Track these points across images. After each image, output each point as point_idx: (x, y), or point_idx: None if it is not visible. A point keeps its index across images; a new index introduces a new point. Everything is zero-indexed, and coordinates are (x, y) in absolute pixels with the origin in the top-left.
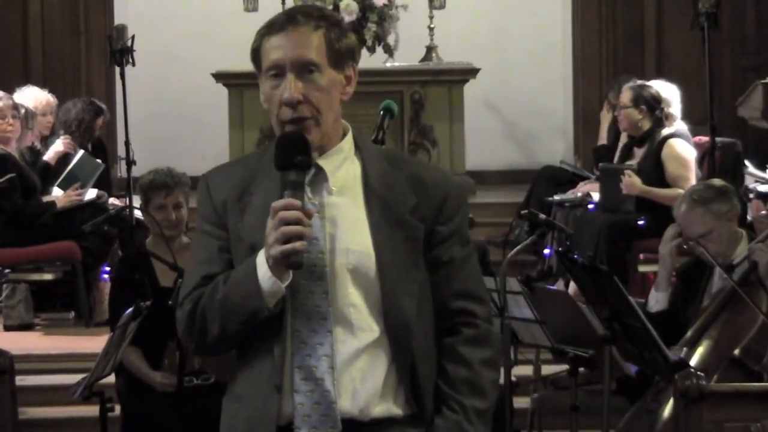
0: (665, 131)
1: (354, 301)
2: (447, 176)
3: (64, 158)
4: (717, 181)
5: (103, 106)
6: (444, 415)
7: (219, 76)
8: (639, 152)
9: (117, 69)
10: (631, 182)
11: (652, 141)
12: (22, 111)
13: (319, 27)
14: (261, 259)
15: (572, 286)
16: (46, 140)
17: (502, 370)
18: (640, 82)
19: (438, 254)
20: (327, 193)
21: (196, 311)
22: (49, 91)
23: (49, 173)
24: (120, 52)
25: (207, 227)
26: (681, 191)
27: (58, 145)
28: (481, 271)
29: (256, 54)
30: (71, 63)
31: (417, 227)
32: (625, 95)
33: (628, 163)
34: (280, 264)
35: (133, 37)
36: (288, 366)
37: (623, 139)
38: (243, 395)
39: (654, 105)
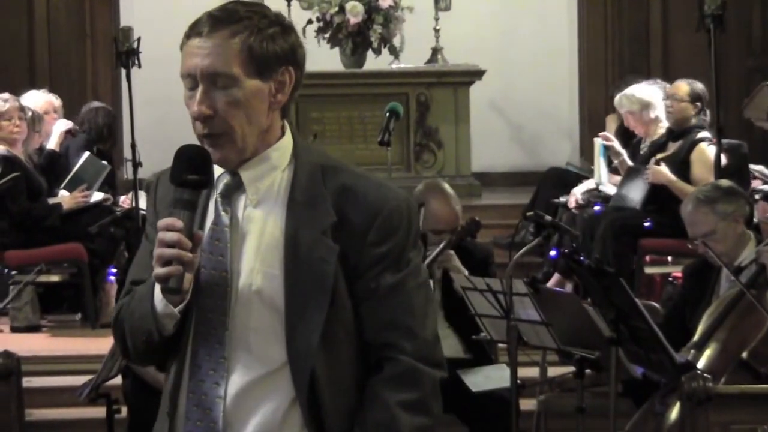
0: (701, 134)
1: (256, 326)
2: (387, 191)
3: (66, 157)
4: (724, 182)
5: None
6: None
7: None
8: (673, 146)
9: (123, 71)
10: (659, 170)
11: (687, 139)
12: (29, 113)
13: (239, 32)
14: None
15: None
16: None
17: (507, 374)
18: (688, 81)
19: (366, 279)
20: (244, 205)
21: (118, 320)
22: (54, 93)
23: (58, 161)
24: (126, 55)
25: (149, 229)
26: None
27: (59, 127)
28: (485, 273)
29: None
30: (77, 65)
31: (331, 249)
32: (681, 89)
33: (660, 156)
34: (162, 286)
35: (139, 39)
36: (184, 389)
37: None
38: (159, 413)
39: (703, 104)
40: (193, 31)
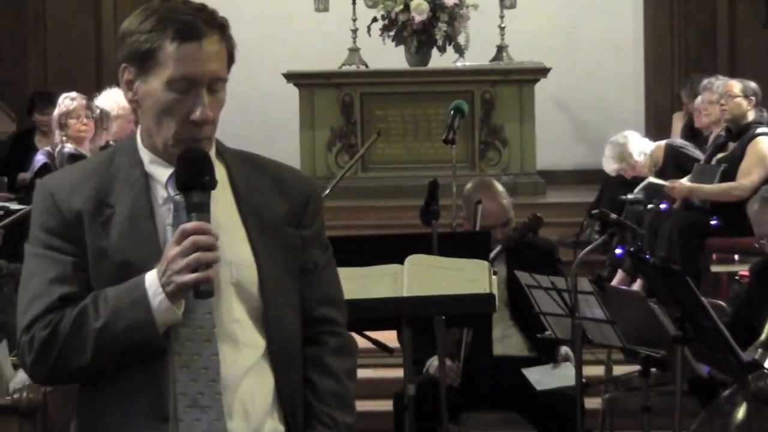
0: (760, 129)
1: (238, 317)
2: (306, 177)
3: None
4: None
5: None
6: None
7: (290, 76)
8: (733, 146)
9: None
10: (678, 188)
11: (745, 137)
12: (97, 111)
13: (223, 38)
14: (152, 286)
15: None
16: None
17: (572, 372)
18: (739, 80)
19: (303, 260)
20: None
21: (56, 339)
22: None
23: None
24: None
25: (55, 242)
26: (732, 185)
27: None
28: (550, 271)
29: (148, 53)
30: None
31: (293, 235)
32: (734, 87)
33: (720, 156)
34: (184, 292)
35: None
36: (171, 392)
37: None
38: (117, 426)
39: (757, 100)
40: (184, 34)
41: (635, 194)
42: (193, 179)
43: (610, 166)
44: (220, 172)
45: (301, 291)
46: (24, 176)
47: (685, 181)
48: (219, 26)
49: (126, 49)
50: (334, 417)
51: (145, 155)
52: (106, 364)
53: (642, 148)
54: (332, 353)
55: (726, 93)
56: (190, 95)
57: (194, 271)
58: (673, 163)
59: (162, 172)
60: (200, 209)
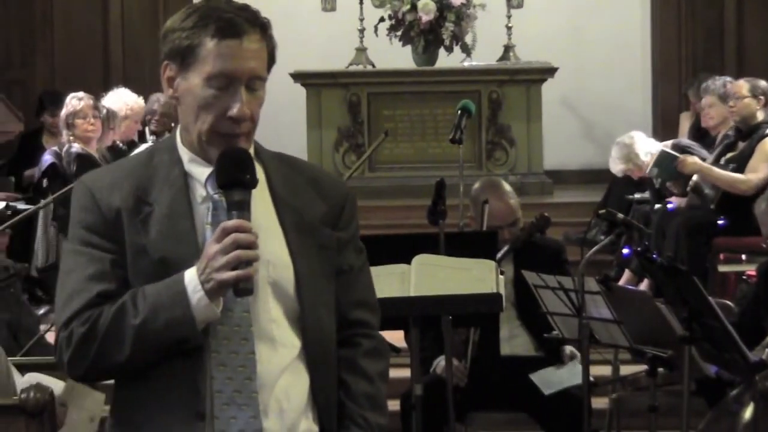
0: None
1: (275, 316)
2: (341, 180)
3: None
4: None
5: None
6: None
7: (297, 76)
8: (742, 145)
9: None
10: (689, 162)
11: (754, 137)
12: (104, 111)
13: (264, 37)
14: (191, 283)
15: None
16: (134, 144)
17: (579, 371)
18: (747, 79)
19: (339, 262)
20: None
21: (95, 335)
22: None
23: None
24: None
25: (95, 239)
26: (740, 177)
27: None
28: (557, 271)
29: (189, 50)
30: (150, 63)
31: (330, 236)
32: (742, 87)
33: (729, 155)
34: (223, 289)
35: None
36: (207, 390)
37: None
38: (153, 424)
39: (767, 99)
40: (224, 31)
41: (648, 172)
42: (235, 177)
43: (616, 167)
44: (258, 172)
45: (336, 293)
46: (31, 173)
47: (697, 159)
48: (260, 25)
49: (168, 46)
50: (366, 417)
51: (185, 154)
52: (144, 360)
53: (648, 148)
54: (365, 355)
55: (734, 94)
56: (229, 92)
57: (234, 269)
58: None
59: (201, 171)
60: (241, 207)
